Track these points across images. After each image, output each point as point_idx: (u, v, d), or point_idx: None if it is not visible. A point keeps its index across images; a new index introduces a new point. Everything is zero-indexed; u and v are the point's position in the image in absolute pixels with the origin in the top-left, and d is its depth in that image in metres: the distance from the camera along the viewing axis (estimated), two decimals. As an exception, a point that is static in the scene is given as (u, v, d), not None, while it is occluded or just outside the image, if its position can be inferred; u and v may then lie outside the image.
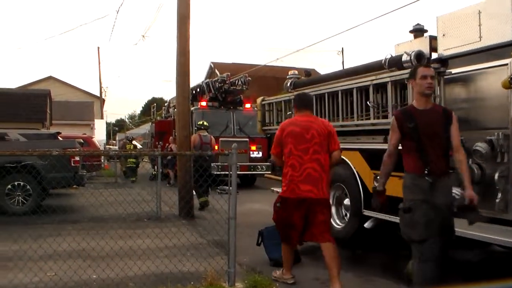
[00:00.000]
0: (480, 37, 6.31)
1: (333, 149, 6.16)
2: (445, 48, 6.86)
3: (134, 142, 27.26)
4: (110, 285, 5.85)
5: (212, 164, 16.98)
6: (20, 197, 11.74)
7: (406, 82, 7.10)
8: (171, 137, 20.62)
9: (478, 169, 6.16)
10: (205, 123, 14.49)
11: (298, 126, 6.10)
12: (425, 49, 7.23)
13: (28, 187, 11.75)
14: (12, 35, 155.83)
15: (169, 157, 19.10)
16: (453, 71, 6.68)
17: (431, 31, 7.48)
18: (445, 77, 6.74)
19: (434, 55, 7.16)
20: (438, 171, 4.89)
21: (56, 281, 5.88)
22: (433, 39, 7.22)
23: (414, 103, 5.27)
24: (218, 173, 16.55)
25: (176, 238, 7.44)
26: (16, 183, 11.67)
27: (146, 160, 29.51)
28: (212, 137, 14.57)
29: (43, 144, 12.44)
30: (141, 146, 33.79)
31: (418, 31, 7.88)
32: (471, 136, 6.28)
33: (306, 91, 9.94)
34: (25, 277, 5.87)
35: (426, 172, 4.87)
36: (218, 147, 17.75)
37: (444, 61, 6.85)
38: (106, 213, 10.55)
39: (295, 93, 10.19)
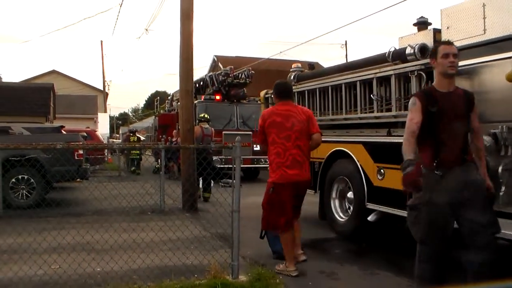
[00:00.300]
0: (485, 30, 6.28)
1: (312, 132, 6.63)
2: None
3: (137, 134, 28.10)
4: (114, 278, 5.86)
5: (216, 157, 17.04)
6: (24, 191, 11.77)
7: (409, 75, 7.10)
8: (174, 131, 20.62)
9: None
10: (206, 115, 14.53)
11: (279, 116, 6.43)
12: (429, 42, 7.21)
13: (32, 180, 11.78)
14: (15, 30, 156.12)
15: (172, 151, 19.11)
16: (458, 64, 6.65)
17: (435, 24, 7.46)
18: (449, 70, 6.71)
19: (438, 48, 7.13)
20: (450, 161, 4.54)
21: (60, 274, 5.90)
22: (437, 32, 7.19)
23: (435, 85, 4.93)
24: (221, 166, 16.57)
25: (180, 231, 7.45)
26: (20, 176, 11.69)
27: (149, 154, 29.66)
28: (212, 129, 14.62)
29: (46, 138, 12.47)
30: (144, 138, 34.01)
31: (422, 24, 7.85)
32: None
33: (307, 84, 9.96)
34: (30, 269, 5.89)
35: (435, 164, 4.55)
36: (222, 140, 17.78)
37: (448, 54, 6.82)
38: (110, 206, 10.56)
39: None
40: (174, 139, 20.33)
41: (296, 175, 6.33)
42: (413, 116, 4.66)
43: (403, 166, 4.53)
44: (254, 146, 19.26)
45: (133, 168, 23.19)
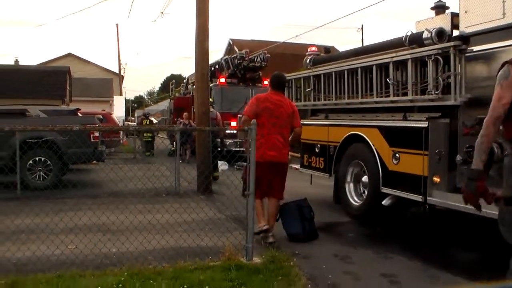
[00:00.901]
0: (504, 14, 6.20)
1: (295, 126, 7.45)
2: (467, 25, 6.76)
3: (150, 118, 29.54)
4: (129, 259, 5.92)
5: (231, 140, 17.09)
6: (41, 172, 11.89)
7: (426, 59, 7.04)
8: (185, 113, 20.61)
9: (498, 147, 6.09)
10: (210, 99, 14.56)
11: (272, 104, 7.25)
12: (447, 26, 7.15)
13: (49, 162, 11.89)
14: (31, 13, 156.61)
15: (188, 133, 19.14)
16: (475, 48, 6.59)
17: (453, 8, 7.38)
18: (467, 54, 6.66)
19: (456, 33, 7.06)
20: None
21: (76, 254, 5.97)
22: (455, 16, 7.12)
23: None
24: (236, 149, 16.60)
25: (195, 213, 7.50)
26: (37, 158, 11.81)
27: (163, 136, 29.92)
28: (218, 113, 14.68)
29: (63, 120, 12.57)
30: (156, 122, 34.45)
31: (440, 8, 7.78)
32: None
33: (323, 67, 9.91)
34: (47, 249, 5.96)
35: None
36: (236, 124, 17.79)
37: (465, 39, 6.76)
38: (126, 188, 10.65)
39: (310, 70, 10.20)
40: (185, 121, 20.37)
41: (273, 156, 7.10)
42: (503, 93, 3.51)
43: (471, 175, 3.61)
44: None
45: (147, 153, 23.86)
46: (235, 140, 17.69)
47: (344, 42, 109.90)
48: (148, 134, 23.66)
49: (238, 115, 18.53)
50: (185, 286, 4.91)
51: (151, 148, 24.33)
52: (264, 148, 6.98)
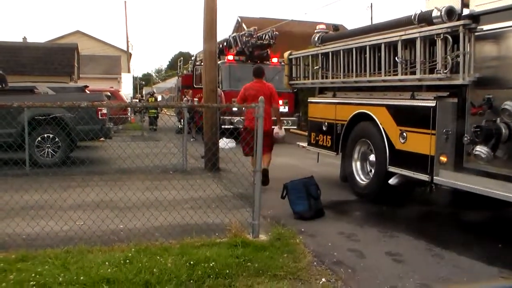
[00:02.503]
0: (515, -8, 6.12)
1: (273, 103, 9.77)
2: (478, 4, 6.68)
3: (155, 95, 33.37)
4: (136, 235, 5.98)
5: (238, 118, 17.13)
6: (49, 149, 11.96)
7: (435, 38, 6.98)
8: (190, 91, 20.68)
9: (506, 128, 6.09)
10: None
11: (254, 90, 9.59)
12: (457, 4, 7.05)
13: (57, 139, 11.95)
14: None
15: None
16: (485, 27, 6.52)
17: (464, -14, 7.28)
18: (476, 33, 6.59)
19: (466, 11, 6.98)
20: None
21: (84, 230, 6.04)
22: (465, -6, 7.04)
23: None
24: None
25: (202, 190, 7.54)
26: (45, 135, 11.87)
27: (171, 114, 30.40)
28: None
29: (71, 97, 12.61)
30: (160, 99, 37.14)
31: (450, -14, 7.69)
32: (500, 94, 6.19)
33: (332, 45, 9.85)
34: (56, 225, 6.03)
35: None
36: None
37: (475, 18, 6.67)
38: (133, 165, 10.70)
39: (318, 47, 10.15)
40: (190, 98, 20.51)
41: (251, 124, 8.59)
42: None
43: None
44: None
45: (153, 127, 25.29)
46: (242, 117, 17.67)
47: (353, 20, 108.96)
48: (153, 110, 25.41)
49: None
50: (191, 262, 4.96)
51: (155, 123, 25.79)
52: (251, 119, 8.50)
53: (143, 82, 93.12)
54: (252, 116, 8.15)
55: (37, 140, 11.80)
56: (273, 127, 9.76)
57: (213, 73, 12.26)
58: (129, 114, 26.03)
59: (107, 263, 4.90)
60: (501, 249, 6.16)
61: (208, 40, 12.17)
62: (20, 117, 11.00)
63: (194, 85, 22.01)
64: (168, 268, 4.82)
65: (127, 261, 4.96)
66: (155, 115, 26.22)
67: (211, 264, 4.93)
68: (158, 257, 5.08)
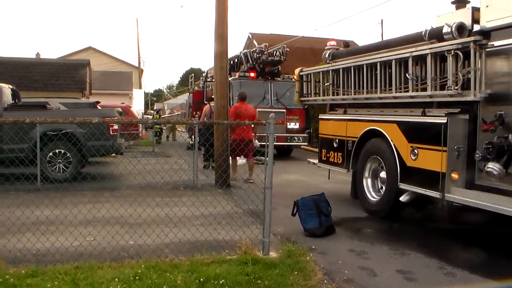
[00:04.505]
0: (526, 8, 6.11)
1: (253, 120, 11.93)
2: (488, 20, 6.68)
3: (160, 112, 40.78)
4: (146, 251, 5.97)
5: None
6: (61, 164, 12.00)
7: (446, 54, 6.97)
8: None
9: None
10: (213, 96, 15.04)
11: (242, 109, 12.78)
12: (467, 20, 7.05)
13: (68, 154, 11.99)
14: (52, 6, 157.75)
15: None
16: (496, 43, 6.51)
17: (474, 2, 7.30)
18: (487, 49, 6.58)
19: (476, 27, 6.98)
20: None
21: (95, 246, 6.05)
22: (475, 10, 7.03)
23: None
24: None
25: (212, 207, 7.52)
26: (57, 150, 11.91)
27: (182, 130, 31.29)
28: (210, 105, 15.50)
29: (82, 113, 12.67)
30: (163, 116, 42.32)
31: (461, 2, 7.70)
32: (512, 110, 6.16)
33: (342, 62, 9.85)
34: (66, 240, 6.04)
35: None
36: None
37: (486, 33, 6.67)
38: (144, 181, 10.71)
39: (329, 63, 10.17)
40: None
41: (240, 136, 11.91)
42: None
43: None
44: (288, 124, 19.21)
45: (155, 138, 26.22)
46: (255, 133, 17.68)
47: (364, 37, 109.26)
48: (158, 126, 27.49)
49: (257, 109, 18.57)
50: (201, 279, 4.94)
51: (159, 137, 27.95)
52: (237, 134, 12.07)
53: (154, 98, 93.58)
54: (238, 131, 12.15)
55: (49, 155, 11.85)
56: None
57: (224, 89, 12.28)
58: (140, 130, 26.13)
59: (116, 279, 4.89)
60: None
61: (219, 56, 12.22)
62: (32, 132, 11.06)
63: (205, 101, 22.07)
64: (177, 285, 4.81)
65: (137, 277, 4.95)
66: (159, 129, 28.43)
67: (221, 282, 4.91)
68: (168, 274, 5.07)
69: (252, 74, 19.65)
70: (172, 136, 32.61)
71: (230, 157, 12.15)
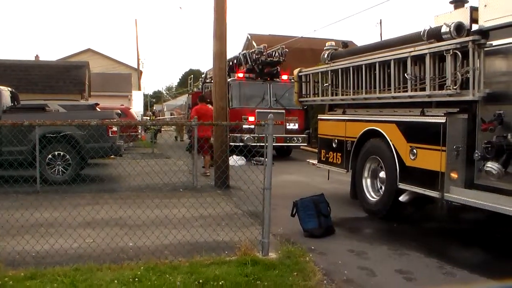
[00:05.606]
0: (524, 7, 6.11)
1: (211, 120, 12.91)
2: (486, 20, 6.68)
3: (155, 114, 43.97)
4: (146, 253, 5.97)
5: (248, 136, 17.22)
6: (60, 167, 12.00)
7: (444, 54, 6.97)
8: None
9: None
10: (208, 100, 15.63)
11: (203, 110, 14.24)
12: (466, 20, 7.05)
13: (67, 156, 11.99)
14: (51, 8, 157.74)
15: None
16: (494, 43, 6.51)
17: (473, 1, 7.30)
18: (486, 49, 6.58)
19: (475, 27, 6.98)
20: None
21: (94, 248, 6.04)
22: (474, 10, 7.03)
23: None
24: (254, 144, 16.63)
25: (211, 208, 7.52)
26: (56, 153, 11.91)
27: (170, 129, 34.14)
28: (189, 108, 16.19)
29: (82, 115, 12.67)
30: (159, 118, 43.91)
31: (459, 2, 7.69)
32: (511, 110, 6.15)
33: (341, 62, 9.85)
34: (65, 242, 6.04)
35: None
36: (255, 118, 17.83)
37: (484, 33, 6.67)
38: (143, 182, 10.71)
39: (328, 64, 10.17)
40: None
41: (202, 134, 13.25)
42: None
43: None
44: (287, 124, 19.20)
45: (151, 140, 25.96)
46: (252, 135, 17.67)
47: (363, 37, 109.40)
48: (154, 127, 28.21)
49: (256, 110, 18.57)
50: (200, 281, 4.93)
51: (155, 137, 27.32)
52: (200, 131, 13.17)
53: (154, 100, 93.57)
54: (203, 129, 13.48)
55: (48, 157, 11.84)
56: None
57: (223, 90, 12.28)
58: (139, 132, 26.15)
59: (116, 281, 4.89)
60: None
61: (218, 57, 12.24)
62: (31, 134, 11.06)
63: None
64: (177, 287, 4.80)
65: (136, 279, 4.95)
66: (155, 130, 29.10)
67: (220, 283, 4.90)
68: (167, 276, 5.06)
69: (251, 75, 19.66)
70: (180, 137, 33.17)
71: (196, 154, 13.05)
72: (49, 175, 11.72)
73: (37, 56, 39.58)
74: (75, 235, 6.23)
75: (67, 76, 26.54)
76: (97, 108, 14.92)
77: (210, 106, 14.53)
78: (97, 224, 7.02)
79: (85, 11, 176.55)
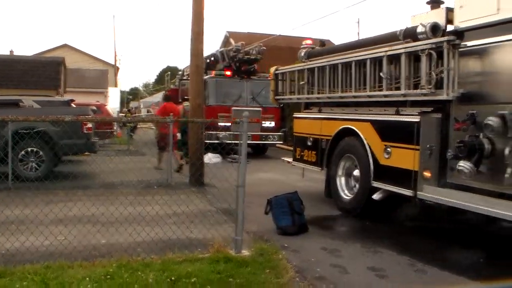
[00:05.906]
0: (498, 9, 6.17)
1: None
2: (462, 20, 6.74)
3: (131, 111, 43.45)
4: (118, 250, 5.91)
5: (224, 133, 17.20)
6: (33, 163, 11.85)
7: (420, 54, 7.02)
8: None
9: (489, 143, 6.11)
10: (185, 97, 15.98)
11: (170, 109, 14.48)
12: (441, 21, 7.11)
13: (41, 153, 11.84)
14: (27, 2, 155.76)
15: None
16: (469, 43, 6.57)
17: (448, 2, 7.35)
18: (460, 49, 6.64)
19: (450, 27, 7.04)
20: None
21: (66, 245, 5.96)
22: (449, 11, 7.08)
23: None
24: (229, 141, 16.62)
25: (185, 205, 7.48)
26: (29, 149, 11.75)
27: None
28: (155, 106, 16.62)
29: (56, 111, 12.51)
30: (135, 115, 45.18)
31: (435, 3, 7.75)
32: (484, 110, 6.21)
33: (318, 61, 9.87)
34: (36, 240, 5.96)
35: None
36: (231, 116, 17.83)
37: (459, 34, 6.73)
38: (117, 179, 10.62)
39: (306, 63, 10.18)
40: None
41: (164, 131, 13.21)
42: None
43: None
44: (263, 122, 19.21)
45: (130, 134, 26.28)
46: (228, 132, 17.63)
47: (341, 35, 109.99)
48: (130, 124, 28.00)
49: (232, 108, 18.54)
50: (172, 278, 4.91)
51: (132, 132, 27.94)
52: (162, 129, 13.51)
53: (130, 96, 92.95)
54: (164, 126, 13.16)
55: (21, 154, 11.68)
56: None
57: (199, 88, 12.23)
58: (115, 128, 25.95)
59: (87, 278, 4.84)
60: (484, 264, 6.18)
61: (195, 54, 12.18)
62: (3, 130, 10.89)
63: (180, 100, 22.00)
64: (149, 284, 4.78)
65: (108, 276, 4.91)
66: (132, 127, 29.26)
67: (192, 280, 4.88)
68: (139, 273, 5.03)
69: (228, 73, 19.61)
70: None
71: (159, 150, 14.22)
72: (21, 172, 11.54)
73: (11, 51, 39.09)
74: (47, 233, 6.15)
75: (42, 71, 26.28)
76: (72, 104, 14.76)
77: (177, 106, 15.77)
78: (70, 221, 6.94)
79: (62, 5, 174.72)
